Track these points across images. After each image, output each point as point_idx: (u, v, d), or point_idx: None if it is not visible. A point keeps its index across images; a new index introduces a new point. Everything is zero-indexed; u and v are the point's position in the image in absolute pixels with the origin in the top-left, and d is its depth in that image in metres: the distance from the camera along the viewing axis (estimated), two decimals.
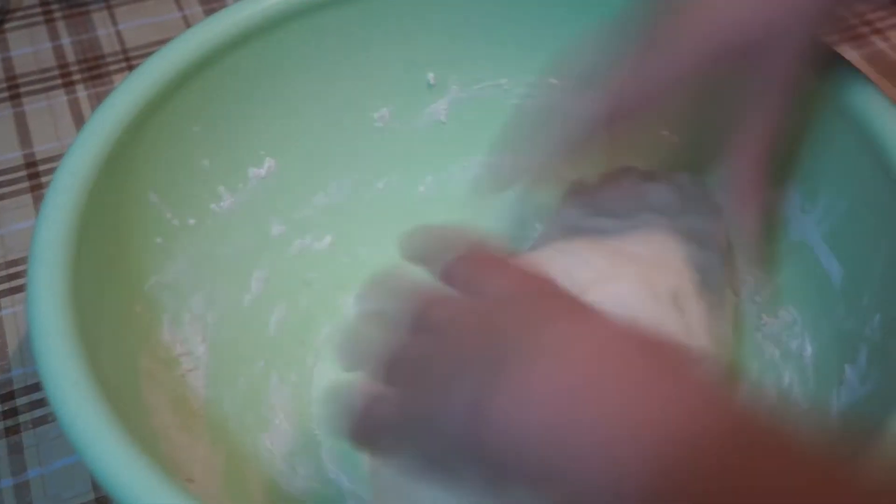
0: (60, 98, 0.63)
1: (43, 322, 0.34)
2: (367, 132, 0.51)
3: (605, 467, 0.27)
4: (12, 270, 0.54)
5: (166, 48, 0.44)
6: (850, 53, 0.62)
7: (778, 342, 0.45)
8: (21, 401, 0.48)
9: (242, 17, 0.45)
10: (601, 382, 0.28)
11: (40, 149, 0.60)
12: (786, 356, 0.44)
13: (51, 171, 0.58)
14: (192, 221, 0.46)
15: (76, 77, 0.64)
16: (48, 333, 0.34)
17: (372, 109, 0.51)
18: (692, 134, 0.48)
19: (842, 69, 0.42)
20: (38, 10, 0.69)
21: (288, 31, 0.47)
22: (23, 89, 0.64)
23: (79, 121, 0.61)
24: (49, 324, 0.34)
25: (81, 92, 0.63)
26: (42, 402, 0.48)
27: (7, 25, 0.68)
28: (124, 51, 0.66)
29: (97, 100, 0.63)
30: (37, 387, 0.49)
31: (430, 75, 0.51)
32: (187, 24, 0.68)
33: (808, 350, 0.43)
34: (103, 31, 0.68)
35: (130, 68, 0.64)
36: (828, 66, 0.42)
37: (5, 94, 0.63)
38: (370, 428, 0.34)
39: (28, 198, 0.57)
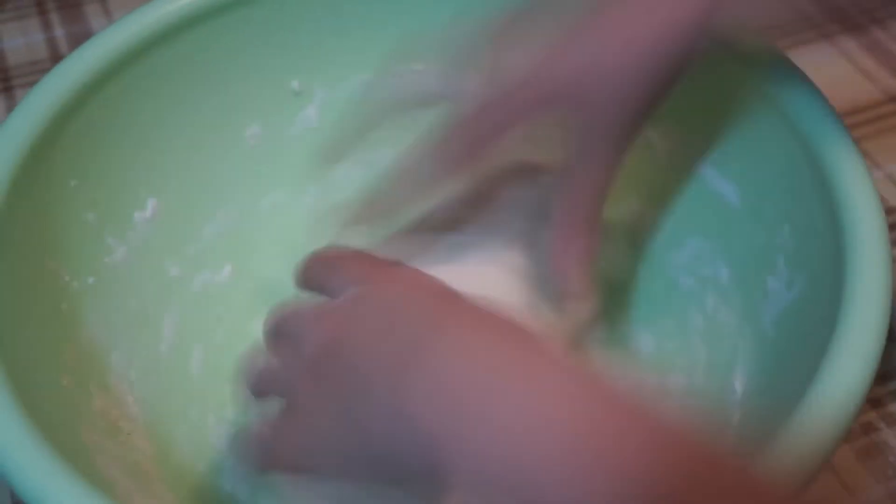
0: None
1: None
2: (241, 153, 0.50)
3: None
4: None
5: (23, 107, 0.41)
6: (848, 42, 0.63)
7: (690, 271, 0.47)
8: None
9: (94, 60, 0.43)
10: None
11: None
12: (703, 283, 0.46)
13: None
14: (91, 280, 0.43)
15: None
16: (3, 431, 0.31)
17: (241, 128, 0.50)
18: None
19: None
20: (31, 1, 0.67)
21: (144, 66, 0.45)
22: (15, 81, 0.62)
23: None
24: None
25: None
26: None
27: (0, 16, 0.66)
28: None
29: None
30: None
31: (294, 82, 0.50)
32: None
33: (724, 272, 0.45)
34: (96, 23, 0.66)
35: None
36: None
37: None
38: (272, 454, 0.34)
39: None
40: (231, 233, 0.50)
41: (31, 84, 0.60)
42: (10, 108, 0.61)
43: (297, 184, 0.52)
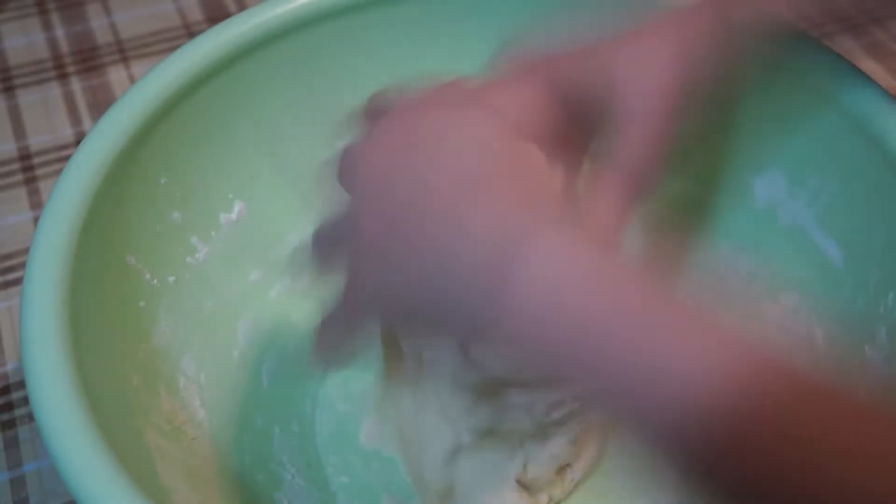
0: (54, 90, 0.62)
1: (58, 417, 0.31)
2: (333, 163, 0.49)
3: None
4: (7, 264, 0.53)
5: (122, 102, 0.41)
6: (848, 43, 0.62)
7: (782, 328, 0.44)
8: (17, 395, 0.48)
9: (196, 61, 0.43)
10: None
11: (34, 141, 0.59)
12: (795, 342, 0.44)
13: (45, 163, 0.58)
14: (171, 279, 0.43)
15: (70, 69, 0.64)
16: (66, 429, 0.31)
17: (338, 139, 0.49)
18: None
19: (822, 53, 0.42)
20: (32, 0, 0.68)
21: (244, 69, 0.45)
22: (16, 81, 0.63)
23: (73, 113, 0.61)
24: (64, 419, 0.31)
25: (76, 84, 0.63)
26: None
27: (0, 17, 0.67)
28: (118, 42, 0.65)
29: (91, 92, 0.62)
30: None
31: None
32: (182, 15, 0.68)
33: (818, 334, 0.43)
34: (97, 23, 0.67)
35: (125, 60, 0.64)
36: (807, 50, 0.42)
37: None
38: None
39: (22, 191, 0.57)
40: None
41: (33, 84, 0.62)
42: (11, 107, 0.61)
43: None
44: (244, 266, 0.47)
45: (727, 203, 0.46)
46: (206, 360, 0.43)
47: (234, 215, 0.46)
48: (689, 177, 0.47)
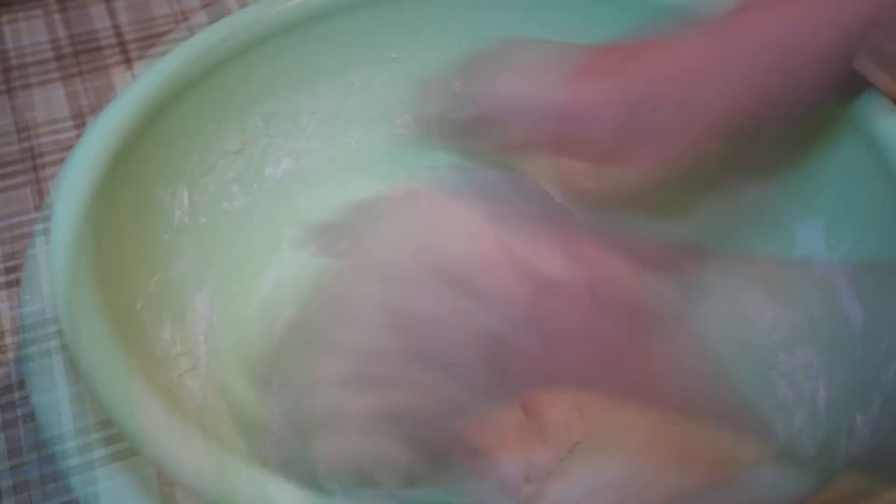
0: (58, 91, 0.62)
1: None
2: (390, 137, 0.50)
3: None
4: (10, 264, 0.53)
5: (192, 40, 0.44)
6: None
7: (792, 382, 0.43)
8: (20, 394, 0.48)
9: (268, 15, 0.45)
10: None
11: (38, 142, 0.59)
12: (799, 399, 0.42)
13: (48, 164, 0.58)
14: (203, 220, 0.45)
15: (73, 70, 0.64)
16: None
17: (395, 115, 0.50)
18: None
19: (874, 104, 0.41)
20: (36, 2, 0.68)
21: (308, 33, 0.46)
22: (20, 82, 0.63)
23: (76, 114, 0.61)
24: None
25: (79, 85, 0.63)
26: None
27: (4, 18, 0.67)
28: (122, 44, 0.66)
29: (95, 93, 0.62)
30: None
31: None
32: (184, 17, 0.68)
33: (822, 394, 0.41)
34: (101, 25, 0.67)
35: (128, 62, 0.65)
36: (859, 99, 0.41)
37: (3, 87, 0.63)
38: None
39: (26, 191, 0.57)
40: None
41: (36, 85, 0.63)
42: (15, 108, 0.61)
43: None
44: (282, 222, 0.48)
45: (767, 246, 0.45)
46: (222, 301, 0.45)
47: (280, 172, 0.48)
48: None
